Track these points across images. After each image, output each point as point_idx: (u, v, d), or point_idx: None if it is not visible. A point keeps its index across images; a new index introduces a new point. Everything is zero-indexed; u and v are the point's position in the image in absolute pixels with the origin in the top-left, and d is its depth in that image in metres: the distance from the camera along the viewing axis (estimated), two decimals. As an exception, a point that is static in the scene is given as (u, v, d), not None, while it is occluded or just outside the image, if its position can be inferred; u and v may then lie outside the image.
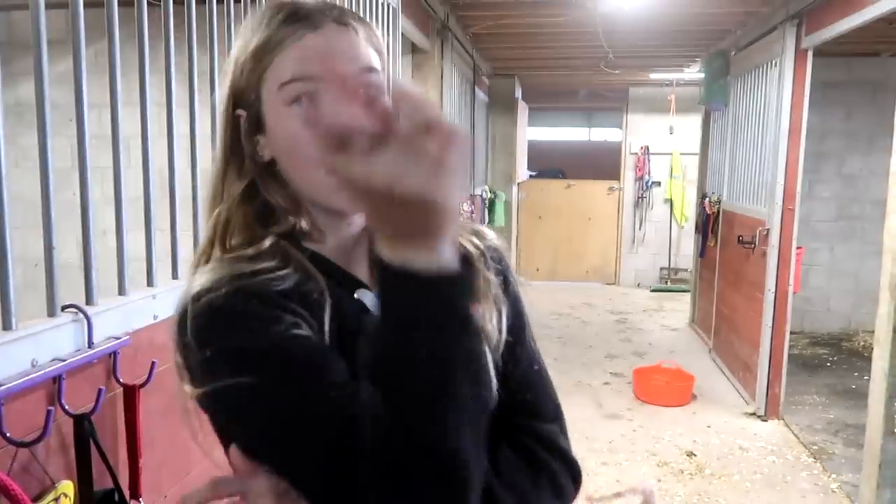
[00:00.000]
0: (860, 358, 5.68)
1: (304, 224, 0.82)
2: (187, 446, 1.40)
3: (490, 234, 0.90)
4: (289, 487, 0.70)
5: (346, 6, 1.02)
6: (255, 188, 0.83)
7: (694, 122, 7.45)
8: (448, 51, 4.77)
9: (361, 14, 2.65)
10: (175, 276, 1.77)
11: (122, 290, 1.56)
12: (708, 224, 5.94)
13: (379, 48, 0.84)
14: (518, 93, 8.20)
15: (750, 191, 4.95)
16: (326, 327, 0.75)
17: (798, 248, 4.42)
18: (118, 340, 1.44)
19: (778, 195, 4.36)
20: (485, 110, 7.49)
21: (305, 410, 0.67)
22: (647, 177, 8.71)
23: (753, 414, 4.52)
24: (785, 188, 4.35)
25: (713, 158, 6.17)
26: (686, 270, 8.33)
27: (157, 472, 1.61)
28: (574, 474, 0.81)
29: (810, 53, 4.25)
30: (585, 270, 9.05)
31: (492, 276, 0.83)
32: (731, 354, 5.26)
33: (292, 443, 0.68)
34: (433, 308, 0.59)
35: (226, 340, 0.71)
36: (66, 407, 1.30)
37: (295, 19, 0.78)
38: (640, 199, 8.78)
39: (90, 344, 1.36)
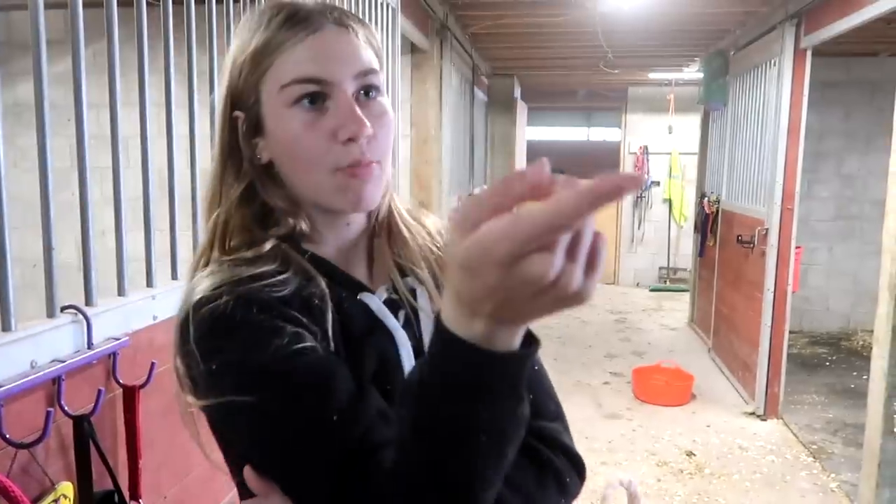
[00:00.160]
0: (859, 357, 5.68)
1: (303, 226, 0.82)
2: (187, 447, 1.39)
3: None
4: None
5: (345, 7, 1.02)
6: (253, 190, 0.82)
7: (693, 121, 7.45)
8: (447, 50, 4.76)
9: (360, 14, 2.65)
10: (174, 276, 1.76)
11: (121, 291, 1.56)
12: (707, 224, 5.94)
13: (377, 49, 0.83)
14: (517, 92, 8.20)
15: (749, 190, 4.95)
16: (330, 333, 0.75)
17: (797, 247, 4.42)
18: (117, 341, 1.44)
19: (777, 195, 4.36)
20: (484, 110, 7.49)
21: (307, 434, 0.67)
22: (646, 176, 8.72)
23: (753, 413, 4.52)
24: (784, 188, 4.35)
25: (712, 158, 6.17)
26: (685, 270, 8.34)
27: (157, 473, 1.61)
28: (578, 470, 0.81)
29: (809, 53, 4.25)
30: (585, 270, 9.02)
31: None
32: (731, 354, 5.26)
33: (295, 465, 0.68)
34: (503, 386, 0.57)
35: (228, 353, 0.71)
36: (66, 408, 1.30)
37: (295, 21, 0.78)
38: (639, 199, 8.78)
39: (89, 345, 1.36)
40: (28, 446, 1.20)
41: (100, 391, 1.36)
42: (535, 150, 10.50)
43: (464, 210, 0.50)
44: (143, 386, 1.49)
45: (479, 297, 0.52)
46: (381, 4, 2.96)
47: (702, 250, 6.21)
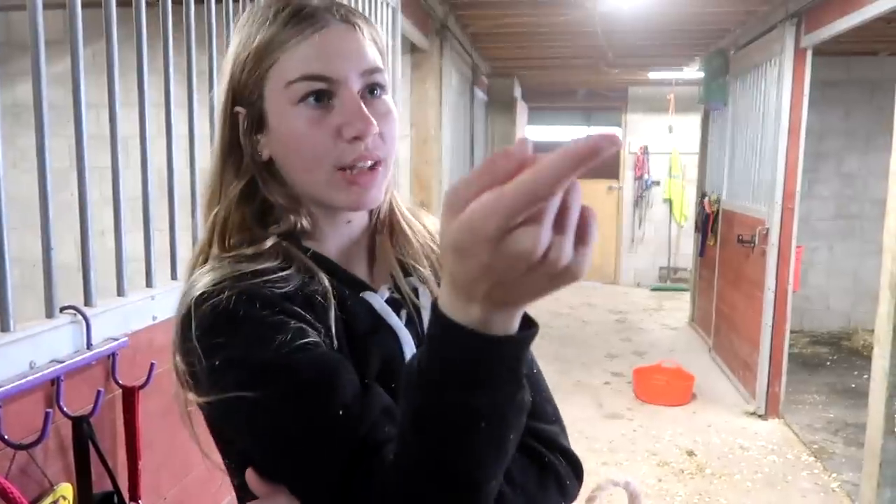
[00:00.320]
0: (860, 357, 5.68)
1: (304, 223, 0.81)
2: (186, 448, 1.39)
3: None
4: None
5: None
6: (253, 187, 0.82)
7: (693, 121, 7.45)
8: (447, 50, 4.76)
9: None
10: (174, 276, 1.76)
11: (120, 291, 1.56)
12: (707, 223, 5.94)
13: (382, 47, 0.83)
14: (517, 92, 8.19)
15: (749, 190, 4.95)
16: (333, 330, 0.74)
17: (797, 246, 4.42)
18: (117, 342, 1.44)
19: (777, 194, 4.36)
20: (484, 110, 7.49)
21: (312, 430, 0.66)
22: (646, 176, 8.71)
23: (753, 413, 4.51)
24: (784, 187, 4.35)
25: (712, 158, 6.17)
26: (685, 269, 8.33)
27: (157, 474, 1.60)
28: (577, 472, 0.81)
29: (809, 52, 4.25)
30: (585, 270, 9.04)
31: None
32: (731, 353, 5.26)
33: (298, 462, 0.67)
34: (502, 370, 0.57)
35: (231, 350, 0.70)
36: (65, 409, 1.30)
37: (301, 17, 0.77)
38: (640, 199, 8.78)
39: (89, 345, 1.36)
40: (27, 447, 1.20)
41: (99, 392, 1.36)
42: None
43: (452, 192, 0.51)
44: (142, 386, 1.49)
45: (473, 278, 0.52)
46: (382, 4, 2.96)
47: (702, 250, 6.21)
